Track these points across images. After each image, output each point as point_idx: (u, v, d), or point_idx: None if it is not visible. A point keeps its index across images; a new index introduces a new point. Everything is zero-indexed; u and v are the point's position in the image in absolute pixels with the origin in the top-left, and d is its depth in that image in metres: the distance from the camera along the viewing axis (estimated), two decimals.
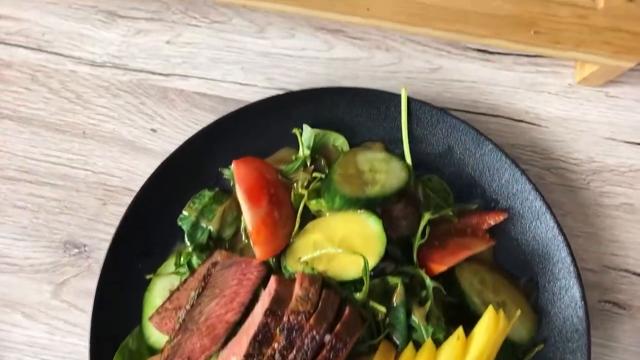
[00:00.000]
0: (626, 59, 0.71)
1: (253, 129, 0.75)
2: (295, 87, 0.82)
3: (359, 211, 0.67)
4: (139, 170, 0.80)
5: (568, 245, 0.71)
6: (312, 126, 0.75)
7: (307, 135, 0.74)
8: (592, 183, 0.80)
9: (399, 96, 0.75)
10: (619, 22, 0.71)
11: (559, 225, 0.71)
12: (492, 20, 0.71)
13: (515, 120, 0.81)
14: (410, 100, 0.75)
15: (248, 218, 0.68)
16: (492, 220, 0.73)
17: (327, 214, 0.69)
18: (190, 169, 0.74)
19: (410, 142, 0.75)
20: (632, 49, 0.71)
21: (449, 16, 0.71)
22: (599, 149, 0.81)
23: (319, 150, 0.75)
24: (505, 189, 0.74)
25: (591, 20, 0.71)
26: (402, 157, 0.74)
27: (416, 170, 0.75)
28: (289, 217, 0.70)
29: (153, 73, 0.82)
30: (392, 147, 0.76)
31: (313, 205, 0.69)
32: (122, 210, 0.78)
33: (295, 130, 0.74)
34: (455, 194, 0.75)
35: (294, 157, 0.74)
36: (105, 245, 0.76)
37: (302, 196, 0.69)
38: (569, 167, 0.80)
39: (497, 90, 0.82)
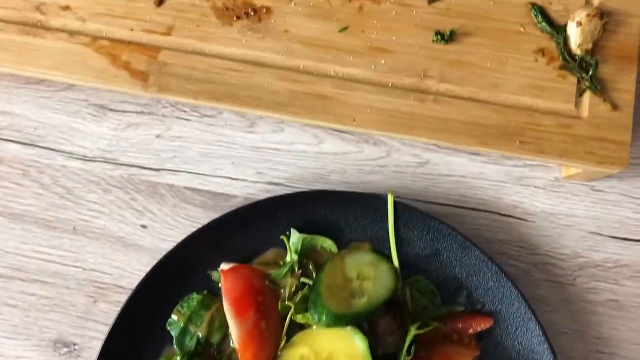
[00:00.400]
0: (610, 168, 0.72)
1: (242, 232, 0.76)
2: (284, 182, 0.83)
3: (346, 327, 0.67)
4: (130, 267, 0.80)
5: (554, 352, 0.72)
6: (301, 228, 0.75)
7: (295, 239, 0.74)
8: (578, 279, 0.80)
9: (386, 199, 0.76)
10: (603, 132, 0.72)
11: (544, 333, 0.72)
12: (478, 130, 0.72)
13: (503, 215, 0.82)
14: (397, 204, 0.75)
15: (234, 331, 0.69)
16: (479, 326, 0.73)
17: (315, 326, 0.69)
18: (180, 272, 0.75)
19: (398, 245, 0.75)
20: (617, 159, 0.71)
21: (434, 125, 0.72)
22: (585, 245, 0.81)
23: (307, 253, 0.75)
24: (492, 292, 0.74)
25: (575, 129, 0.72)
26: (390, 259, 0.75)
27: (404, 272, 0.75)
28: (276, 327, 0.71)
29: (144, 168, 0.83)
30: (381, 247, 0.76)
31: (300, 319, 0.69)
32: (112, 309, 0.79)
33: (284, 237, 0.74)
34: (442, 296, 0.75)
35: (282, 262, 0.74)
36: (96, 344, 0.77)
37: (289, 307, 0.70)
38: (555, 262, 0.81)
39: (485, 185, 0.83)
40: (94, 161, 0.83)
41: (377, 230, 0.77)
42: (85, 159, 0.83)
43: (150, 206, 0.82)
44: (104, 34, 0.73)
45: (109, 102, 0.84)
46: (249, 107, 0.72)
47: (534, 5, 0.74)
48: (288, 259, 0.74)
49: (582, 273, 0.81)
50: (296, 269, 0.73)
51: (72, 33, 0.73)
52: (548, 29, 0.73)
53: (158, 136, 0.83)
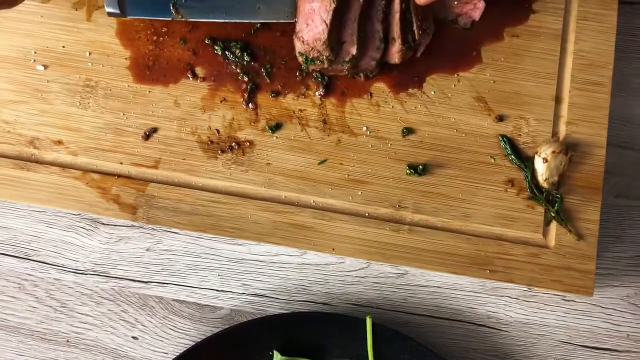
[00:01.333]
0: (576, 295, 0.75)
1: (226, 352, 0.79)
2: (268, 293, 0.86)
3: None
4: None
5: None
6: (282, 347, 0.79)
7: None
8: None
9: (365, 320, 0.79)
10: (569, 261, 0.75)
11: None
12: (450, 259, 0.76)
13: (477, 324, 0.86)
14: (375, 324, 0.79)
15: None
16: None
17: None
18: None
19: None
20: (582, 287, 0.75)
21: (408, 254, 0.76)
22: (557, 353, 0.85)
23: None
24: None
25: (543, 259, 0.76)
26: None
27: None
28: None
29: (133, 280, 0.86)
30: None
31: None
32: None
33: None
34: None
35: None
36: None
37: None
38: None
39: (460, 295, 0.86)
40: (86, 274, 0.87)
41: (356, 348, 0.80)
42: (77, 272, 0.87)
43: (141, 318, 0.86)
44: (95, 167, 0.77)
45: (100, 216, 0.88)
46: (232, 237, 0.76)
47: (503, 136, 0.77)
48: None
49: None
50: None
51: (63, 166, 0.77)
52: (517, 161, 0.76)
53: (147, 249, 0.87)
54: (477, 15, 0.78)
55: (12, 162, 0.77)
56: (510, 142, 0.77)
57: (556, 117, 0.78)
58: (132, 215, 0.76)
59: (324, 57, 0.74)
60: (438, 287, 0.87)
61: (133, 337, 0.85)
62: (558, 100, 0.78)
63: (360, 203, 0.77)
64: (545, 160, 0.75)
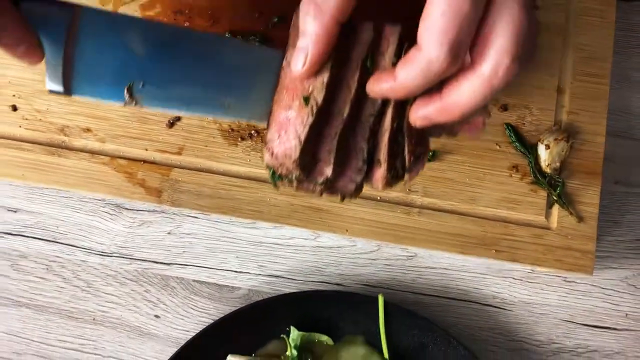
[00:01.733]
0: (577, 275, 0.80)
1: (246, 328, 0.84)
2: (284, 274, 0.91)
3: None
4: (145, 354, 0.89)
5: None
6: (299, 323, 0.84)
7: (294, 336, 0.83)
8: None
9: (377, 298, 0.84)
10: (570, 241, 0.80)
11: None
12: (458, 240, 0.80)
13: (483, 304, 0.90)
14: (387, 304, 0.84)
15: None
16: None
17: None
18: None
19: (387, 338, 0.84)
20: (582, 266, 0.79)
21: (419, 235, 0.80)
22: (558, 331, 0.90)
23: (305, 347, 0.83)
24: None
25: (545, 239, 0.80)
26: (381, 351, 0.83)
27: None
28: None
29: (156, 262, 0.91)
30: (372, 339, 0.85)
31: None
32: None
33: (284, 336, 0.83)
34: None
35: (282, 357, 0.83)
36: None
37: None
38: (531, 348, 0.89)
39: (467, 276, 0.91)
40: (111, 256, 0.91)
41: (368, 325, 0.85)
42: (102, 254, 0.91)
43: (163, 297, 0.90)
44: (122, 153, 0.82)
45: (124, 201, 0.92)
46: (252, 219, 0.81)
47: (508, 125, 0.82)
48: (288, 353, 0.82)
49: (555, 358, 0.89)
50: None
51: (92, 153, 0.81)
52: (521, 148, 0.81)
53: (169, 233, 0.92)
54: (475, 134, 0.65)
55: (43, 148, 0.81)
56: (514, 130, 0.82)
57: (558, 106, 0.82)
58: (157, 199, 0.80)
59: (293, 176, 0.61)
60: (446, 268, 0.91)
61: (155, 316, 0.90)
62: (560, 91, 0.82)
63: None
64: (547, 147, 0.79)
